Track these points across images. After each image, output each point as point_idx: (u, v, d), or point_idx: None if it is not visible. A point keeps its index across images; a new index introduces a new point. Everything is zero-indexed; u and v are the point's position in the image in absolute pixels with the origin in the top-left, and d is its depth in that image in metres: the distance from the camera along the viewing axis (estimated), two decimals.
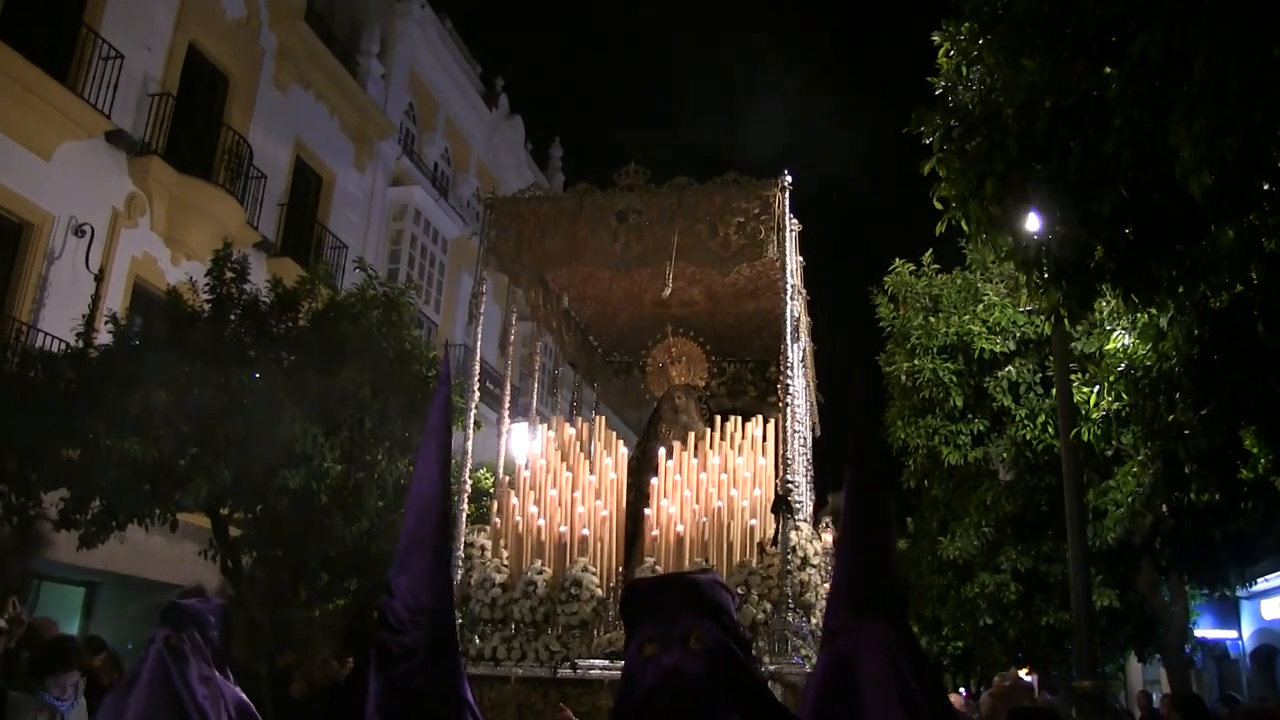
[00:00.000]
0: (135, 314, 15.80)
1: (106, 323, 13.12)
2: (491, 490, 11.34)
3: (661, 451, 8.87)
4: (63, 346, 14.75)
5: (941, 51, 7.17)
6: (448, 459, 3.47)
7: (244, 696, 4.01)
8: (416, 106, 26.68)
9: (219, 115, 19.52)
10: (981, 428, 15.52)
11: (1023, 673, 22.45)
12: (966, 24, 6.79)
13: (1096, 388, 9.89)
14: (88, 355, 12.43)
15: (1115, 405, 9.80)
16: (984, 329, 15.16)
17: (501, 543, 8.43)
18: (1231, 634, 20.29)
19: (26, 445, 11.74)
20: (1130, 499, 12.12)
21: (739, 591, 7.50)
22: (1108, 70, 5.56)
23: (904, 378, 15.62)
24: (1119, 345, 9.26)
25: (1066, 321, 6.90)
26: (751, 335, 10.71)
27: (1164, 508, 12.06)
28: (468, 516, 8.56)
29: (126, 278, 17.15)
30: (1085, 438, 10.12)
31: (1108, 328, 10.46)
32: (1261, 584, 17.84)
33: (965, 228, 6.77)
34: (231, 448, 11.40)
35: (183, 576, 16.55)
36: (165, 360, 11.48)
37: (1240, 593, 18.53)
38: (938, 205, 6.94)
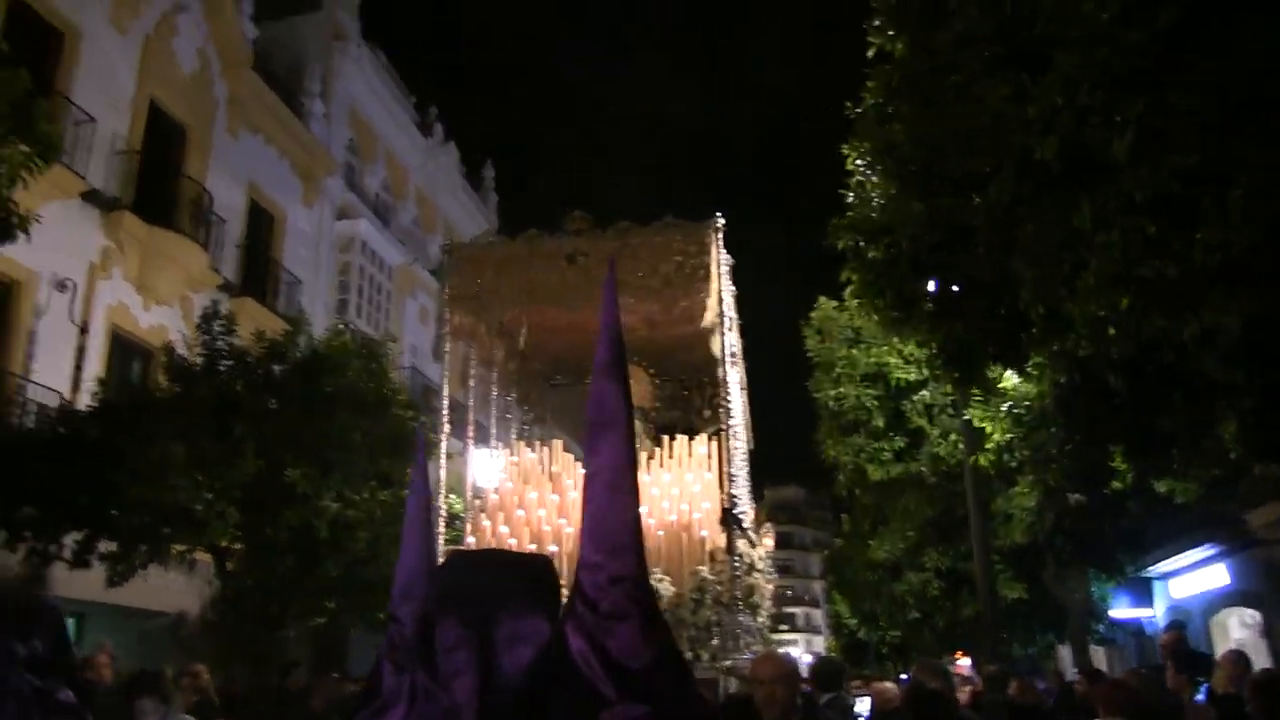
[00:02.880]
0: (131, 369, 17.36)
1: (100, 381, 14.69)
2: (462, 514, 12.37)
3: None
4: (57, 397, 16.45)
5: (849, 160, 9.23)
6: (431, 518, 4.04)
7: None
8: (356, 140, 28.50)
9: (179, 165, 21.11)
10: (901, 445, 17.69)
11: (958, 657, 24.88)
12: (868, 144, 8.85)
13: (990, 424, 12.02)
14: (107, 412, 14.00)
15: (1006, 436, 11.95)
16: (900, 359, 17.30)
17: None
18: (1148, 612, 22.46)
19: (50, 493, 13.28)
20: (1024, 510, 14.34)
21: (694, 597, 8.68)
22: (976, 201, 7.60)
23: (831, 402, 17.78)
24: (1009, 384, 11.38)
25: (958, 391, 8.97)
26: (686, 355, 11.74)
27: (1051, 516, 14.20)
28: (444, 540, 9.93)
29: (104, 326, 18.70)
30: (982, 462, 12.33)
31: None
32: (1169, 565, 20.08)
33: (873, 318, 8.84)
34: (239, 492, 13.13)
35: (168, 604, 18.22)
36: (175, 415, 13.17)
37: (1154, 575, 20.91)
38: (850, 301, 9.00)
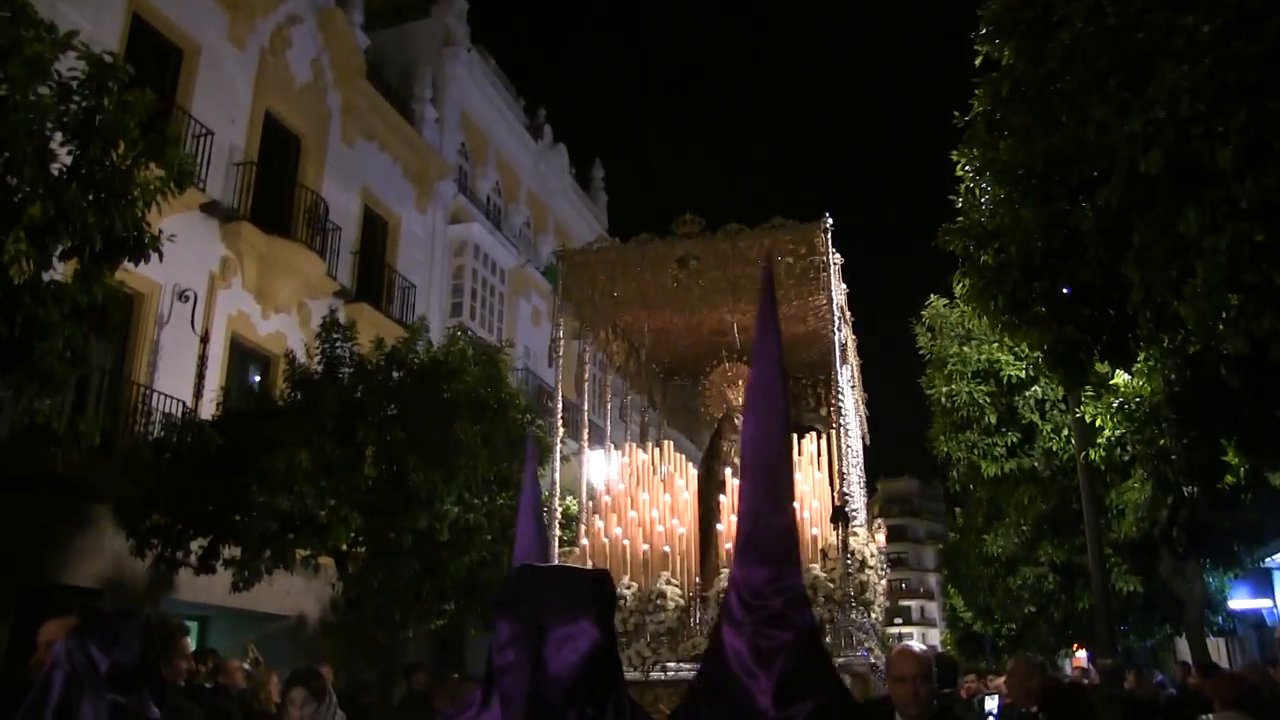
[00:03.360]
0: (250, 376, 17.95)
1: (224, 390, 15.30)
2: (576, 514, 12.45)
3: (728, 471, 10.08)
4: (179, 405, 17.13)
5: (959, 166, 9.39)
6: (541, 520, 4.01)
7: None
8: (468, 144, 29.10)
9: (294, 174, 21.84)
10: (1014, 440, 17.73)
11: (1076, 650, 24.82)
12: (978, 150, 9.00)
13: (1101, 419, 12.07)
14: (231, 420, 14.60)
15: (1118, 432, 12.00)
16: (1011, 356, 17.33)
17: (590, 562, 9.46)
18: (1268, 603, 22.21)
19: (176, 501, 13.89)
20: (1138, 504, 14.33)
21: (808, 594, 8.95)
22: (1084, 205, 7.72)
23: (943, 399, 17.87)
24: (1121, 380, 11.44)
25: (1064, 389, 9.08)
26: (799, 354, 11.68)
27: (1169, 501, 14.16)
28: (560, 540, 10.00)
29: (225, 335, 19.39)
30: (1094, 458, 12.39)
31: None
32: None
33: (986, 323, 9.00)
34: (362, 497, 13.61)
35: (288, 608, 18.87)
36: (299, 422, 13.68)
37: (1274, 565, 20.69)
38: (961, 302, 9.16)
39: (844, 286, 10.12)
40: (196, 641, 19.55)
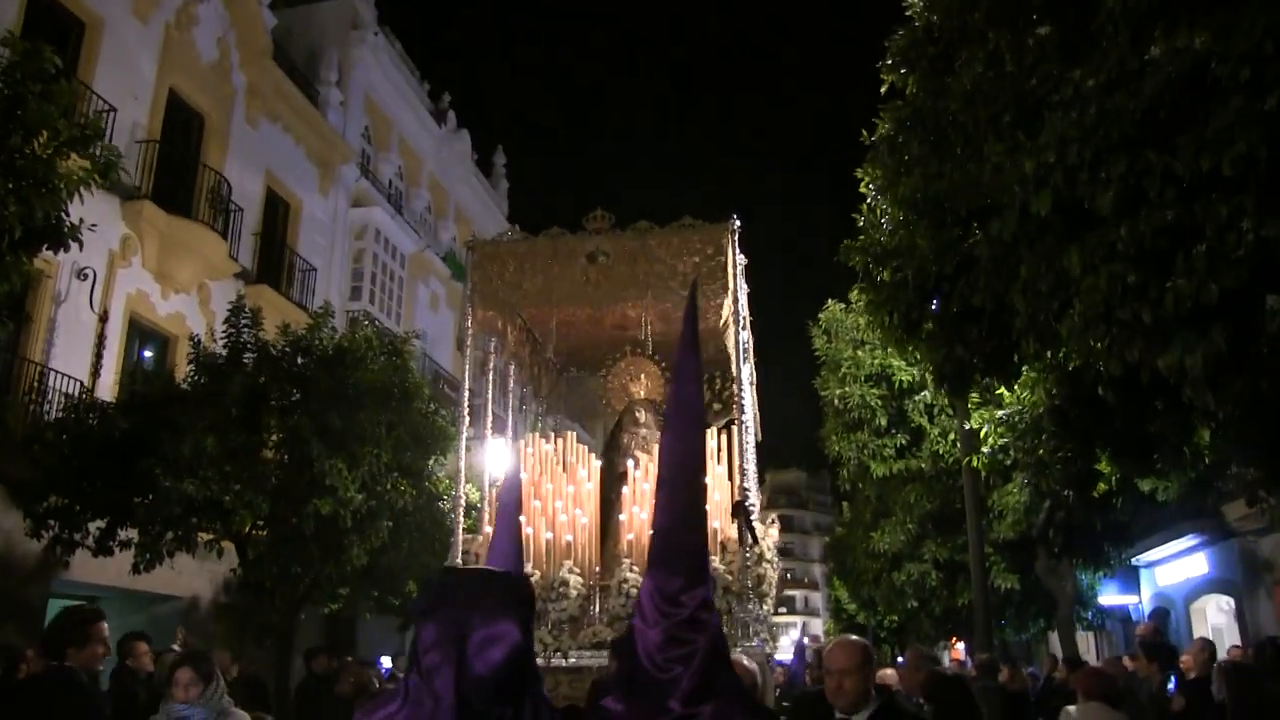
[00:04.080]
0: (148, 357, 17.94)
1: (131, 375, 15.38)
2: (479, 503, 13.08)
3: (630, 463, 10.42)
4: (77, 385, 17.14)
5: (862, 184, 10.02)
6: (520, 536, 3.88)
7: None
8: (372, 128, 29.25)
9: (197, 154, 21.80)
10: (903, 442, 18.57)
11: (954, 642, 25.93)
12: (880, 171, 9.62)
13: (985, 428, 12.85)
14: (136, 404, 14.71)
15: (1001, 440, 12.77)
16: (902, 362, 18.13)
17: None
18: (1134, 599, 23.53)
19: (75, 483, 14.03)
20: (1017, 507, 15.25)
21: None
22: (976, 233, 8.34)
23: (836, 400, 18.64)
24: (1005, 393, 12.20)
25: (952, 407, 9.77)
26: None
27: (1046, 504, 15.09)
28: (463, 528, 10.28)
29: (124, 314, 19.33)
30: (977, 464, 13.20)
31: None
32: (1154, 554, 21.10)
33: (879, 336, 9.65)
34: (266, 483, 13.87)
35: (181, 589, 18.92)
36: (205, 408, 13.86)
37: (1140, 563, 21.95)
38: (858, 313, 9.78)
39: (746, 287, 10.57)
40: None
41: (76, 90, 10.41)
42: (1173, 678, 10.62)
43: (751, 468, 10.14)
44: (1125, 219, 6.58)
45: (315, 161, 25.88)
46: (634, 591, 9.05)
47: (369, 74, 28.44)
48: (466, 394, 10.88)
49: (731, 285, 9.95)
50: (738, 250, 9.98)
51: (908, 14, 9.55)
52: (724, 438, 10.39)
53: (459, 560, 9.76)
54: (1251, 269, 6.21)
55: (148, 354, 20.48)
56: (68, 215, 10.35)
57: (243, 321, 15.57)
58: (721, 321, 11.05)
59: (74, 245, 10.45)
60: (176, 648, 10.77)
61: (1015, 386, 11.36)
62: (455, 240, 33.05)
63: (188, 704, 5.67)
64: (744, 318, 10.29)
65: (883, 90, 9.67)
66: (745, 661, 4.95)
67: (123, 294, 19.31)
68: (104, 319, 18.56)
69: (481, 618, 2.32)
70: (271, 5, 24.63)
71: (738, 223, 9.90)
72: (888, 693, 5.59)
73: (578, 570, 9.59)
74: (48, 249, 10.46)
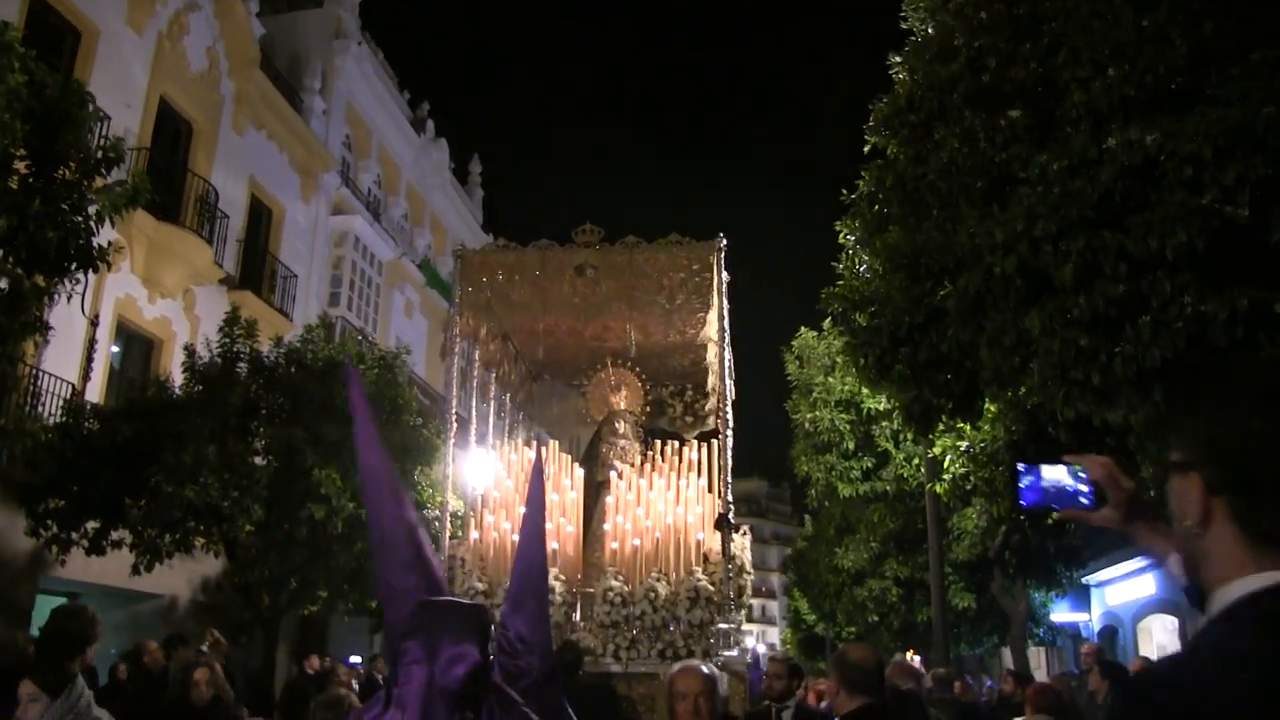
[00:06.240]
0: (136, 360, 18.56)
1: (131, 382, 16.11)
2: (461, 512, 12.91)
3: (614, 474, 10.74)
4: (68, 387, 17.81)
5: (841, 235, 10.98)
6: (543, 529, 3.94)
7: None
8: (353, 137, 30.03)
9: (185, 161, 22.46)
10: (869, 465, 19.64)
11: (911, 655, 26.97)
12: (859, 224, 10.59)
13: (948, 457, 13.86)
14: (135, 411, 15.45)
15: (963, 470, 13.77)
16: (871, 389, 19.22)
17: (479, 556, 10.20)
18: (1084, 616, 24.72)
19: (74, 485, 14.79)
20: (974, 531, 16.34)
21: (689, 596, 9.30)
22: (947, 286, 9.30)
23: (806, 423, 19.68)
24: (968, 428, 13.20)
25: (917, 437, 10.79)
26: (673, 363, 12.46)
27: (1002, 528, 16.15)
28: (449, 536, 10.62)
29: (111, 318, 19.98)
30: (939, 490, 14.26)
31: None
32: (1105, 574, 22.25)
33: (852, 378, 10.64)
34: (261, 489, 14.66)
35: (162, 587, 19.56)
36: (203, 416, 14.64)
37: (1091, 583, 23.13)
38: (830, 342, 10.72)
39: (728, 304, 10.69)
40: None
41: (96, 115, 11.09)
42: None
43: (730, 480, 10.34)
44: (1082, 289, 7.58)
45: (298, 169, 26.61)
46: (617, 599, 9.69)
47: (351, 83, 29.18)
48: (453, 403, 11.17)
49: (717, 302, 10.25)
50: (723, 268, 10.22)
51: (894, 80, 10.52)
52: (704, 450, 10.68)
53: (445, 563, 10.02)
54: (1188, 338, 7.21)
55: (135, 358, 21.10)
56: (97, 237, 11.15)
57: (236, 332, 16.34)
58: (699, 337, 11.51)
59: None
60: (205, 648, 11.34)
61: (978, 426, 12.34)
62: (430, 248, 33.87)
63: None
64: (727, 333, 10.53)
65: (865, 150, 10.63)
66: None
67: (111, 298, 19.89)
68: (95, 323, 19.19)
69: (450, 640, 2.75)
70: (258, 14, 25.30)
71: (724, 241, 10.14)
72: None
73: (563, 577, 9.82)
74: (76, 269, 11.21)
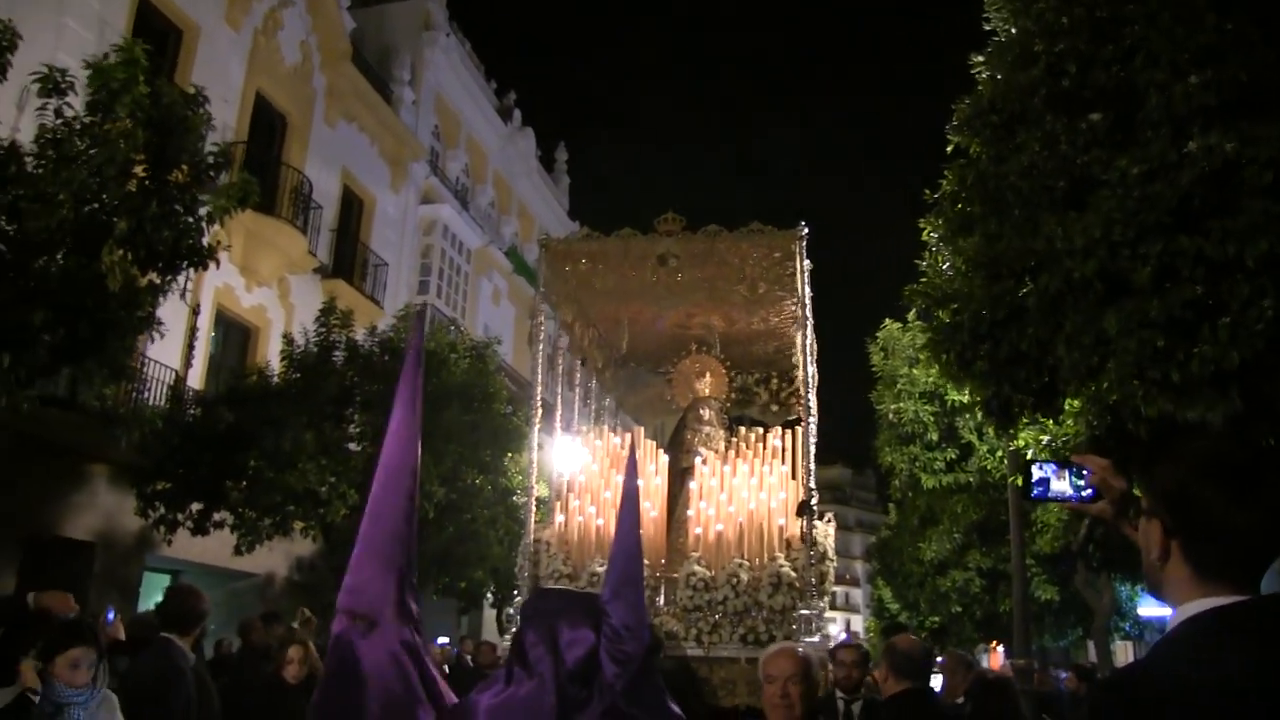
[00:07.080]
0: (233, 346, 19.28)
1: (235, 374, 16.78)
2: (546, 498, 13.21)
3: (698, 460, 10.69)
4: (171, 374, 18.53)
5: (924, 233, 11.20)
6: (638, 519, 3.97)
7: None
8: (441, 126, 30.67)
9: (280, 154, 23.23)
10: (953, 456, 19.79)
11: (994, 646, 27.10)
12: (942, 222, 10.81)
13: (1030, 450, 14.00)
14: (237, 399, 16.10)
15: None
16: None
17: (563, 540, 10.00)
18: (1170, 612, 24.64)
19: (181, 469, 15.44)
20: (1057, 524, 16.48)
21: (771, 582, 9.15)
22: (1027, 285, 9.52)
23: (891, 415, 19.88)
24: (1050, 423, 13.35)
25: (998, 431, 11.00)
26: (758, 350, 12.40)
27: (1085, 520, 16.25)
28: (535, 520, 10.25)
29: (211, 306, 20.76)
30: (1021, 483, 14.38)
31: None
32: None
33: (935, 372, 10.86)
34: (356, 475, 15.20)
35: (259, 566, 20.29)
36: (302, 404, 15.24)
37: None
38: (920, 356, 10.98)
39: (810, 292, 10.54)
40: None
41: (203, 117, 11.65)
42: None
43: (814, 467, 10.24)
44: (1159, 292, 7.79)
45: (388, 159, 27.27)
46: (700, 584, 9.92)
47: (440, 74, 29.80)
48: (539, 390, 11.13)
49: (800, 290, 10.20)
50: (804, 256, 10.17)
51: (976, 80, 10.72)
52: (788, 437, 10.71)
53: (530, 547, 9.96)
54: (1267, 340, 7.40)
55: (233, 344, 21.84)
56: (206, 236, 11.72)
57: (333, 321, 16.93)
58: (783, 325, 11.46)
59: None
60: (296, 625, 11.72)
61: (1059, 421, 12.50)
62: (517, 235, 34.50)
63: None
64: (809, 322, 10.42)
65: (949, 150, 10.83)
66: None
67: (210, 287, 20.61)
68: (196, 311, 19.89)
69: (568, 625, 3.02)
70: (348, 7, 25.92)
71: (805, 229, 10.10)
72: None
73: (647, 562, 9.18)
74: (188, 266, 11.78)
